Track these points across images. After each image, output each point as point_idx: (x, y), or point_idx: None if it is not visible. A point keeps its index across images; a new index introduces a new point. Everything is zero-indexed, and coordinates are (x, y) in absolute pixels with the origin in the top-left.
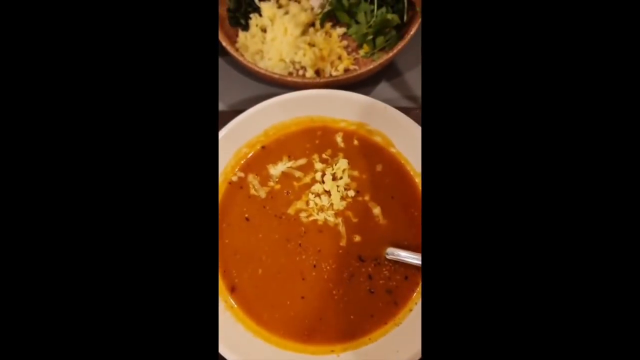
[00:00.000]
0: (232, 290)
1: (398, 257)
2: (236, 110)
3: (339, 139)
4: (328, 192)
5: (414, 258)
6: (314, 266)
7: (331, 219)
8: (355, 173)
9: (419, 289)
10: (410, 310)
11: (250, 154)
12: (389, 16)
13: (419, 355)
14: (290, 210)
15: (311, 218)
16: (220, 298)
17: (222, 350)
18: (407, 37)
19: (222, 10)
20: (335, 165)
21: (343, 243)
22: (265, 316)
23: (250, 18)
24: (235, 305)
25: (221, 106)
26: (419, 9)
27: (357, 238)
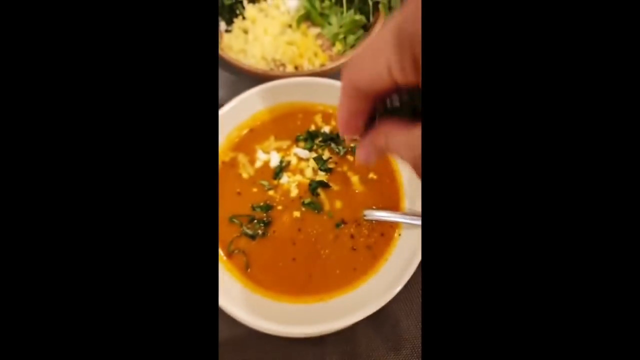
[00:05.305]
0: (229, 256)
1: (374, 217)
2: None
3: (318, 120)
4: (312, 167)
5: (388, 216)
6: (299, 230)
7: (315, 189)
8: (335, 148)
9: (393, 242)
10: (386, 260)
11: (240, 137)
12: (357, 17)
13: (393, 295)
14: (278, 184)
15: (298, 189)
16: (219, 262)
17: (223, 303)
18: (373, 35)
19: None
20: (318, 142)
21: (327, 208)
22: (260, 277)
23: (234, 21)
24: (233, 269)
25: None
26: (382, 9)
27: (339, 204)
